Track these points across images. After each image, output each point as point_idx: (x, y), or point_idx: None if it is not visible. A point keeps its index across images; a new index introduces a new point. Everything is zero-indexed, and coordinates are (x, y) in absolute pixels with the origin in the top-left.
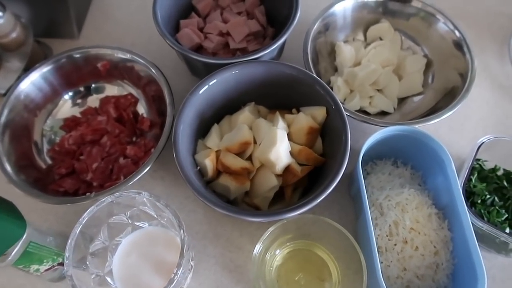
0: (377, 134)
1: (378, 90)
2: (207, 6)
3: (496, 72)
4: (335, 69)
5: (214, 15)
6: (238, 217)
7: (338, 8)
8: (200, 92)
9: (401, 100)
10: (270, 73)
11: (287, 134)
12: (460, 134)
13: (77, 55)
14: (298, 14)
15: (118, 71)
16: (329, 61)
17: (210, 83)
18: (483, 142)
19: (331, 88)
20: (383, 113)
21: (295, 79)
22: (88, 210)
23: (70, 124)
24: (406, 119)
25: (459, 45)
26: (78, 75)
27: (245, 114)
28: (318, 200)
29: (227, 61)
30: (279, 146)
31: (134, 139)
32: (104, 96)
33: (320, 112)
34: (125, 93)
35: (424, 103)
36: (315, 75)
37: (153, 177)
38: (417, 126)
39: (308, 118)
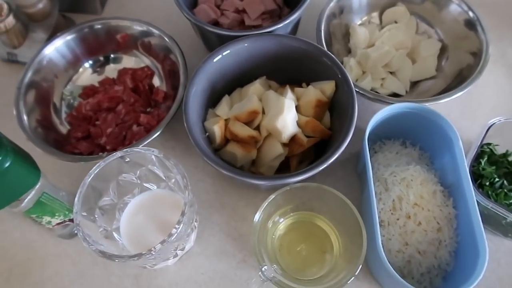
0: (385, 110)
1: (390, 73)
2: None
3: None
4: (349, 51)
5: None
6: (242, 178)
7: None
8: (214, 60)
9: (414, 84)
10: (281, 46)
11: (296, 107)
12: (472, 119)
13: (99, 26)
14: None
15: (136, 43)
16: (343, 43)
17: (224, 53)
18: (494, 124)
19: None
20: (395, 95)
21: (304, 53)
22: (98, 163)
23: (88, 92)
24: (421, 94)
25: (472, 24)
26: (98, 45)
27: (256, 86)
28: (321, 168)
29: (240, 33)
30: (286, 114)
31: (148, 109)
32: (122, 68)
33: (329, 86)
34: (142, 65)
35: (437, 87)
36: (323, 48)
37: (164, 146)
38: (427, 104)
39: (316, 91)
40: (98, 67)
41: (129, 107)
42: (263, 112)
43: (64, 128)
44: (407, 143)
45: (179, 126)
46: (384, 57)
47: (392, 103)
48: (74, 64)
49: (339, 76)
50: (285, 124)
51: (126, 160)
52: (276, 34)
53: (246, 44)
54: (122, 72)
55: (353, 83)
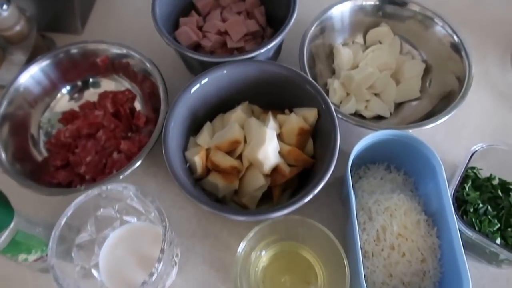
0: (368, 137)
1: (375, 94)
2: (207, 4)
3: (497, 79)
4: (333, 72)
5: (214, 14)
6: (223, 214)
7: (335, 11)
8: (192, 91)
9: (398, 105)
10: (262, 72)
11: (278, 134)
12: (457, 141)
13: (75, 50)
14: (295, 16)
15: (115, 66)
16: (327, 63)
17: (202, 82)
18: (476, 150)
19: (327, 91)
20: (379, 117)
21: (287, 79)
22: (74, 202)
23: (68, 117)
24: (402, 124)
25: (457, 48)
26: (76, 70)
27: (238, 113)
28: (304, 201)
29: (220, 59)
30: (268, 145)
31: (129, 134)
32: (103, 91)
33: (311, 114)
34: (122, 88)
35: (421, 108)
36: (306, 76)
37: (146, 173)
38: (411, 131)
39: (299, 119)
40: (76, 92)
41: (110, 133)
42: (245, 141)
43: (42, 157)
44: (391, 167)
45: (160, 151)
46: (368, 79)
47: (375, 130)
48: (51, 90)
49: (322, 106)
50: (266, 155)
51: (103, 196)
52: (257, 60)
53: (225, 71)
54: (103, 96)
55: (335, 110)
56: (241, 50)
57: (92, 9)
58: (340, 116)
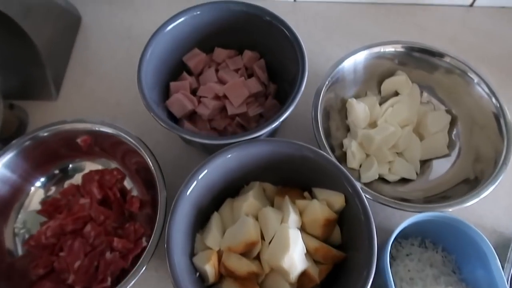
0: (406, 222)
1: (397, 153)
2: (199, 63)
3: None
4: (347, 129)
5: (208, 73)
6: None
7: (348, 63)
8: (188, 194)
9: (424, 162)
10: (273, 153)
11: (300, 225)
12: (506, 205)
13: (46, 134)
14: (305, 79)
15: (99, 145)
16: (339, 118)
17: (200, 176)
18: None
19: (344, 153)
20: (404, 180)
21: (303, 159)
22: None
23: (48, 208)
24: (433, 191)
25: (496, 116)
26: (51, 156)
27: (250, 202)
28: None
29: (223, 141)
30: (293, 251)
31: (123, 221)
32: (88, 172)
33: (337, 200)
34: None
35: (453, 169)
36: (329, 156)
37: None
38: (450, 210)
39: (323, 207)
40: (53, 184)
41: (99, 227)
42: (262, 237)
43: (21, 265)
44: (426, 242)
45: (161, 240)
46: (390, 139)
47: (413, 212)
48: (21, 187)
49: (349, 189)
50: (292, 262)
51: None
52: (266, 140)
53: (229, 156)
54: (87, 178)
55: (364, 190)
56: (243, 117)
57: (66, 69)
58: (368, 197)
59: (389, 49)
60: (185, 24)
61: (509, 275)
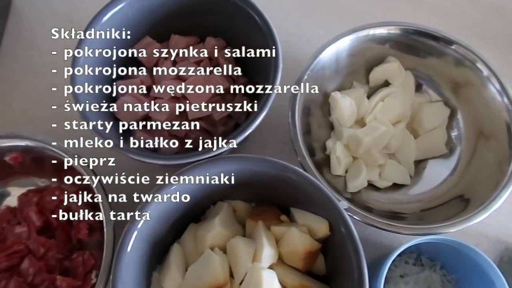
0: (399, 249)
1: (388, 154)
2: (153, 54)
3: None
4: (330, 126)
5: (164, 67)
6: None
7: (330, 50)
8: (139, 225)
9: (418, 163)
10: (246, 170)
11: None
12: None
13: None
14: (279, 75)
15: (33, 162)
16: (322, 114)
17: (152, 206)
18: None
19: (328, 157)
20: (396, 184)
21: (282, 178)
22: None
23: None
24: (430, 203)
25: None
26: None
27: (216, 232)
28: None
29: (180, 161)
30: None
31: (70, 250)
32: (25, 191)
33: (320, 227)
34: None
35: (453, 180)
36: (311, 178)
37: None
38: (453, 230)
39: (304, 237)
40: None
41: (39, 262)
42: (231, 275)
43: None
44: (422, 259)
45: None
46: (380, 140)
47: (407, 234)
48: None
49: (334, 214)
50: None
51: None
52: (233, 157)
53: (189, 178)
54: (24, 201)
55: (351, 211)
56: (208, 120)
57: None
58: (358, 219)
59: (380, 31)
60: (130, 7)
61: None
